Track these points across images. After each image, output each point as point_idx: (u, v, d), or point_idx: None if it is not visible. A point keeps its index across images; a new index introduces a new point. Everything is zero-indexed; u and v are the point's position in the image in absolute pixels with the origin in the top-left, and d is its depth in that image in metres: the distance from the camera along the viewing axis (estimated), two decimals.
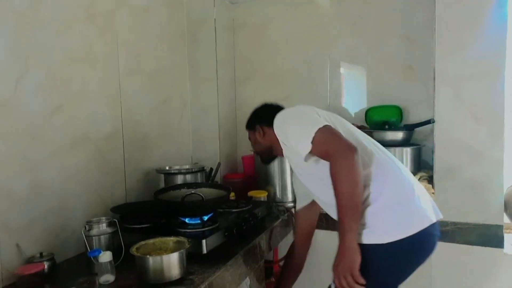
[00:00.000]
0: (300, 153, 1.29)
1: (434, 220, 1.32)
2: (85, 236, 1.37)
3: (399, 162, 1.45)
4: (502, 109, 1.79)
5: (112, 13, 1.82)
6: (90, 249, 1.35)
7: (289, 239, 2.10)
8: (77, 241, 1.53)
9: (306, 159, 1.32)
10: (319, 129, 1.25)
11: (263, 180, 2.29)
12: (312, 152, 1.27)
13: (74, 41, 1.60)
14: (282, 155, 1.49)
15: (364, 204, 1.29)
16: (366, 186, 1.30)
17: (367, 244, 1.27)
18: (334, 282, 1.28)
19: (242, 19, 2.64)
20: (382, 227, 1.28)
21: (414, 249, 1.31)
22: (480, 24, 1.81)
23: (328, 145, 1.24)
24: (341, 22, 2.36)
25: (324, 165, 1.26)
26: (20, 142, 1.37)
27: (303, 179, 1.51)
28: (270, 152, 1.61)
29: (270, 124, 1.49)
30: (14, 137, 1.35)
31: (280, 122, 1.42)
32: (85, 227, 1.40)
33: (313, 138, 1.24)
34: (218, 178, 2.29)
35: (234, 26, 2.67)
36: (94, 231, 1.39)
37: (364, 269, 1.24)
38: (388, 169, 1.36)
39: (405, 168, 1.45)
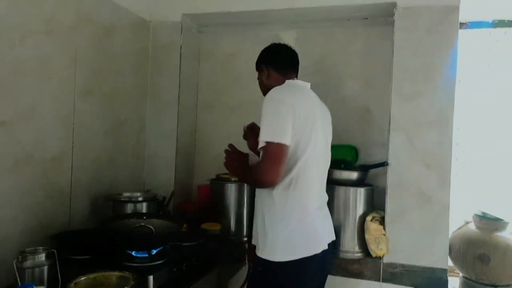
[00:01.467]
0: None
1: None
2: (17, 267, 1.24)
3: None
4: (449, 157, 1.89)
5: (74, 29, 1.75)
6: (21, 283, 1.22)
7: (240, 275, 2.04)
8: (8, 273, 1.37)
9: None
10: (272, 144, 1.36)
11: (218, 211, 2.23)
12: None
13: (28, 53, 1.52)
14: None
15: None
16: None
17: (273, 261, 1.39)
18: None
19: (209, 48, 2.64)
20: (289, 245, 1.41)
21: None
22: (433, 77, 1.92)
23: (264, 160, 1.37)
24: (304, 60, 2.40)
25: None
26: None
27: None
28: None
29: (277, 67, 1.62)
30: None
31: (267, 100, 1.45)
32: (18, 257, 1.26)
33: (266, 143, 1.37)
34: (171, 207, 2.20)
35: (200, 54, 2.66)
36: (28, 263, 1.26)
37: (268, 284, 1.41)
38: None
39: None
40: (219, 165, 1.70)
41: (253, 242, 1.57)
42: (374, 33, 2.29)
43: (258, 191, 1.54)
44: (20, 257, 1.27)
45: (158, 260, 1.46)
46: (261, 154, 1.39)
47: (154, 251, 1.49)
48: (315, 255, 1.42)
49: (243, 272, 1.99)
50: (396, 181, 1.95)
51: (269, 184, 1.39)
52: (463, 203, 2.19)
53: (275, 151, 1.36)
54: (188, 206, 2.37)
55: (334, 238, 1.60)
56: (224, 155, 1.57)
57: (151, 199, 1.95)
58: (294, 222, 1.42)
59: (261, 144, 1.38)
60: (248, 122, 1.87)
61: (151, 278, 1.33)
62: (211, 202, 2.27)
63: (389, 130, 1.99)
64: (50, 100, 1.63)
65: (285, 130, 1.37)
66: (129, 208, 1.86)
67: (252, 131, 1.81)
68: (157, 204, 2.02)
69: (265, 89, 1.62)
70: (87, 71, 1.85)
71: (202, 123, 2.66)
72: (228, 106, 2.61)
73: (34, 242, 1.47)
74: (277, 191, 1.43)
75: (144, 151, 2.40)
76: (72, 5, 1.74)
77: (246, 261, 2.02)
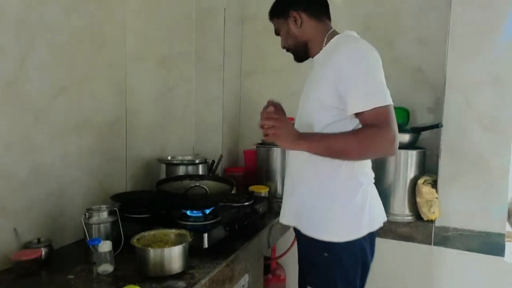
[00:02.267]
0: (348, 106, 1.17)
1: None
2: (85, 223, 1.33)
3: None
4: (510, 118, 1.77)
5: None
6: (89, 238, 1.31)
7: (287, 236, 2.08)
8: (75, 228, 1.49)
9: (334, 111, 1.22)
10: (390, 105, 1.15)
11: (264, 175, 2.26)
12: (361, 116, 1.16)
13: (81, 21, 1.56)
14: (313, 55, 1.36)
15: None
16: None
17: (338, 242, 1.25)
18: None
19: (252, 10, 2.59)
20: (352, 223, 1.27)
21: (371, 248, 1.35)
22: (495, 31, 1.78)
23: (386, 124, 1.13)
24: (352, 19, 2.32)
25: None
26: (23, 123, 1.33)
27: (299, 119, 1.39)
28: (305, 49, 1.38)
29: (312, 11, 1.33)
30: (18, 117, 1.31)
31: (359, 52, 1.19)
32: (85, 214, 1.36)
33: (378, 107, 1.13)
34: (219, 171, 2.26)
35: (244, 17, 2.62)
36: (94, 219, 1.35)
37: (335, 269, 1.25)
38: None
39: None
40: None
41: (294, 222, 1.38)
42: None
43: (307, 160, 1.29)
44: (86, 214, 1.36)
45: (212, 220, 1.51)
46: (371, 118, 1.14)
47: (207, 211, 1.54)
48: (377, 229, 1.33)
49: (290, 233, 2.03)
50: (450, 144, 1.87)
51: (393, 152, 1.16)
52: None
53: (392, 113, 1.15)
54: (235, 170, 2.42)
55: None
56: (266, 122, 1.22)
57: (201, 162, 2.00)
58: (361, 195, 1.27)
59: (371, 106, 1.13)
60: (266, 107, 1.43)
61: (205, 236, 1.39)
62: (257, 166, 2.30)
63: (444, 90, 1.88)
64: (103, 67, 1.68)
65: (387, 91, 1.18)
66: (181, 170, 1.92)
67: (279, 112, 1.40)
68: (207, 168, 2.08)
69: (295, 42, 1.37)
70: (136, 37, 1.88)
71: (246, 88, 2.66)
72: (271, 71, 2.58)
73: (96, 202, 1.56)
74: (346, 167, 1.25)
75: (193, 117, 2.45)
76: None
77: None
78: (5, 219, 1.27)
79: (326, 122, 1.25)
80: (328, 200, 1.27)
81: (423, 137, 2.08)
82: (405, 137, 1.97)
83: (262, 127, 1.23)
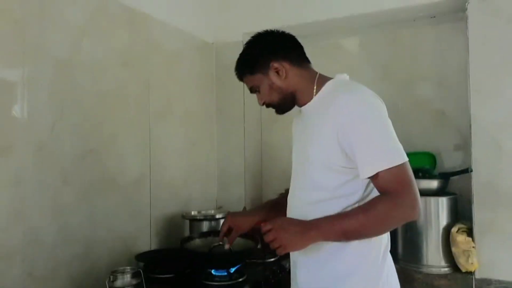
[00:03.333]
0: (358, 169, 1.04)
1: None
2: (109, 287, 1.32)
3: None
4: None
5: (146, 58, 1.86)
6: None
7: None
8: None
9: (342, 171, 1.07)
10: (406, 162, 1.01)
11: None
12: (375, 179, 1.03)
13: (108, 85, 1.63)
14: (301, 104, 1.19)
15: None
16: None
17: None
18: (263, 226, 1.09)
19: None
20: None
21: None
22: None
23: (404, 187, 1.00)
24: (370, 67, 2.35)
25: (347, 191, 1.08)
26: (52, 186, 1.37)
27: (299, 182, 1.22)
28: (293, 100, 1.20)
29: (292, 59, 1.16)
30: (48, 181, 1.35)
31: (367, 107, 1.06)
32: (110, 277, 1.35)
33: (393, 168, 0.99)
34: None
35: None
36: (119, 283, 1.33)
37: None
38: None
39: None
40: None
41: None
42: (444, 31, 2.16)
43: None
44: (111, 277, 1.34)
45: (237, 278, 1.47)
46: (393, 178, 1.01)
47: (232, 269, 1.50)
48: None
49: None
50: (483, 188, 1.79)
51: (418, 215, 1.02)
52: None
53: (410, 171, 1.02)
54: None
55: None
56: (267, 240, 1.07)
57: (224, 217, 1.97)
58: (387, 269, 1.12)
59: (384, 167, 1.00)
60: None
61: None
62: None
63: (470, 132, 1.84)
64: (129, 126, 1.74)
65: (399, 145, 1.05)
66: (205, 225, 1.90)
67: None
68: None
69: (281, 96, 1.18)
70: (159, 96, 1.95)
71: (267, 138, 2.67)
72: (290, 119, 2.60)
73: (121, 262, 1.56)
74: None
75: (215, 169, 2.46)
76: (143, 36, 1.85)
77: None
78: (32, 284, 1.27)
79: (335, 184, 1.10)
80: (351, 281, 1.08)
81: (453, 182, 2.00)
82: (434, 184, 1.90)
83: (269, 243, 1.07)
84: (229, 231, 1.36)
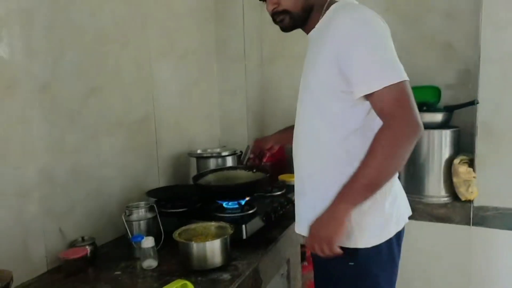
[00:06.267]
0: (354, 88, 1.01)
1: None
2: (126, 221, 1.36)
3: None
4: None
5: None
6: (131, 234, 1.34)
7: None
8: (115, 225, 1.52)
9: (341, 96, 1.05)
10: (405, 82, 0.98)
11: (292, 163, 2.24)
12: (372, 99, 1.00)
13: (106, 21, 1.56)
14: (309, 28, 1.16)
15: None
16: None
17: (365, 248, 1.08)
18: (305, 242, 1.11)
19: None
20: (378, 225, 1.10)
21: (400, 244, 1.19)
22: None
23: (401, 106, 0.97)
24: None
25: (350, 117, 1.06)
26: (59, 125, 1.35)
27: (301, 108, 1.20)
28: (307, 16, 1.16)
29: None
30: (54, 120, 1.33)
31: (361, 23, 1.02)
32: (125, 212, 1.38)
33: (390, 86, 0.96)
34: (247, 160, 2.25)
35: (263, 3, 2.57)
36: (134, 216, 1.37)
37: (363, 279, 1.10)
38: None
39: None
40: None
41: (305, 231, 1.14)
42: None
43: (316, 154, 1.14)
44: (127, 211, 1.38)
45: (248, 210, 1.52)
46: (382, 103, 0.99)
47: (243, 201, 1.54)
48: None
49: None
50: (487, 121, 1.80)
51: (421, 129, 0.97)
52: None
53: (407, 90, 0.98)
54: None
55: None
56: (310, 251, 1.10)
57: (230, 154, 2.00)
58: (386, 190, 1.09)
59: (381, 85, 0.97)
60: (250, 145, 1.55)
61: (244, 227, 1.39)
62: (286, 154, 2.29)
63: (477, 65, 1.81)
64: (130, 65, 1.69)
65: (400, 64, 1.01)
66: (212, 163, 1.93)
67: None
68: (236, 159, 2.08)
69: (303, 5, 1.13)
70: (158, 33, 1.87)
71: (268, 76, 2.63)
72: (292, 57, 2.54)
73: (132, 199, 1.59)
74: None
75: (217, 109, 2.45)
76: None
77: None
78: (50, 220, 1.30)
79: (335, 110, 1.08)
80: None
81: (457, 116, 2.01)
82: (438, 117, 1.92)
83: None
84: (260, 154, 1.56)
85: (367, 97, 1.01)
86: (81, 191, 1.43)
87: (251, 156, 1.58)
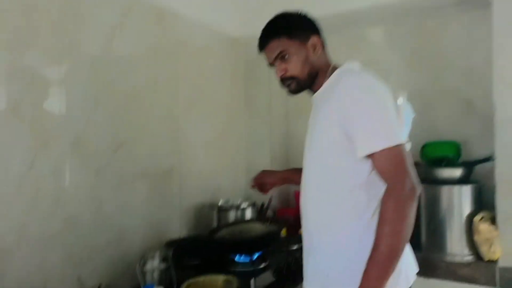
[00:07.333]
0: (357, 148, 1.08)
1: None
2: (140, 271, 1.44)
3: None
4: None
5: (175, 54, 1.95)
6: (143, 284, 1.41)
7: None
8: (133, 274, 1.59)
9: (346, 152, 1.11)
10: (401, 145, 1.05)
11: None
12: (371, 157, 1.07)
13: (139, 80, 1.74)
14: (315, 90, 1.24)
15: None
16: None
17: None
18: None
19: None
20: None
21: None
22: None
23: (398, 169, 1.04)
24: (396, 56, 2.33)
25: (355, 175, 1.12)
26: (88, 177, 1.49)
27: (309, 164, 1.26)
28: (313, 80, 1.24)
29: (324, 43, 1.23)
30: (84, 172, 1.47)
31: (357, 96, 1.09)
32: (140, 262, 1.47)
33: (388, 148, 1.04)
34: (270, 212, 2.31)
35: None
36: (148, 266, 1.45)
37: None
38: None
39: None
40: None
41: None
42: (469, 18, 2.12)
43: (324, 209, 1.18)
44: (141, 261, 1.47)
45: (259, 265, 1.55)
46: (382, 165, 1.07)
47: (255, 256, 1.58)
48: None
49: None
50: (507, 176, 1.76)
51: (418, 191, 1.04)
52: None
53: (404, 154, 1.06)
54: (287, 212, 2.44)
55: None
56: None
57: (250, 205, 2.06)
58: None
59: (378, 147, 1.05)
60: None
61: (252, 281, 1.43)
62: None
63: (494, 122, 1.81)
64: (159, 119, 1.85)
65: (399, 129, 1.10)
66: (232, 215, 2.00)
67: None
68: (257, 210, 2.14)
69: (310, 72, 1.21)
70: (188, 90, 2.04)
71: (294, 130, 2.73)
72: None
73: (152, 248, 1.68)
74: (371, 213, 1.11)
75: (243, 160, 2.55)
76: (172, 33, 1.94)
77: None
78: (70, 268, 1.41)
79: (341, 165, 1.14)
80: (357, 259, 1.08)
81: (479, 171, 1.98)
82: (456, 172, 1.90)
83: None
84: (261, 185, 1.54)
85: (369, 156, 1.09)
86: (102, 240, 1.54)
87: (252, 184, 1.58)
